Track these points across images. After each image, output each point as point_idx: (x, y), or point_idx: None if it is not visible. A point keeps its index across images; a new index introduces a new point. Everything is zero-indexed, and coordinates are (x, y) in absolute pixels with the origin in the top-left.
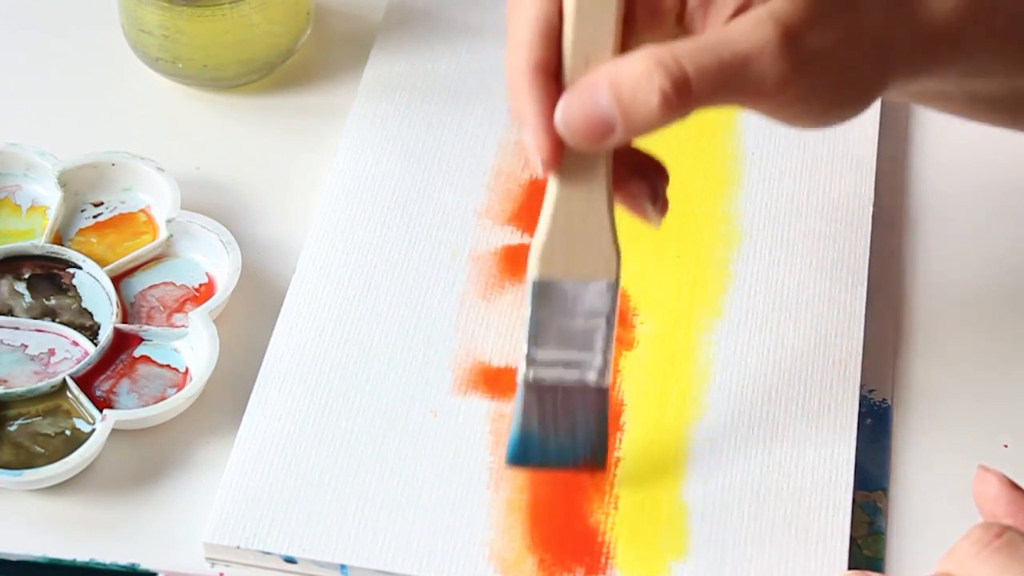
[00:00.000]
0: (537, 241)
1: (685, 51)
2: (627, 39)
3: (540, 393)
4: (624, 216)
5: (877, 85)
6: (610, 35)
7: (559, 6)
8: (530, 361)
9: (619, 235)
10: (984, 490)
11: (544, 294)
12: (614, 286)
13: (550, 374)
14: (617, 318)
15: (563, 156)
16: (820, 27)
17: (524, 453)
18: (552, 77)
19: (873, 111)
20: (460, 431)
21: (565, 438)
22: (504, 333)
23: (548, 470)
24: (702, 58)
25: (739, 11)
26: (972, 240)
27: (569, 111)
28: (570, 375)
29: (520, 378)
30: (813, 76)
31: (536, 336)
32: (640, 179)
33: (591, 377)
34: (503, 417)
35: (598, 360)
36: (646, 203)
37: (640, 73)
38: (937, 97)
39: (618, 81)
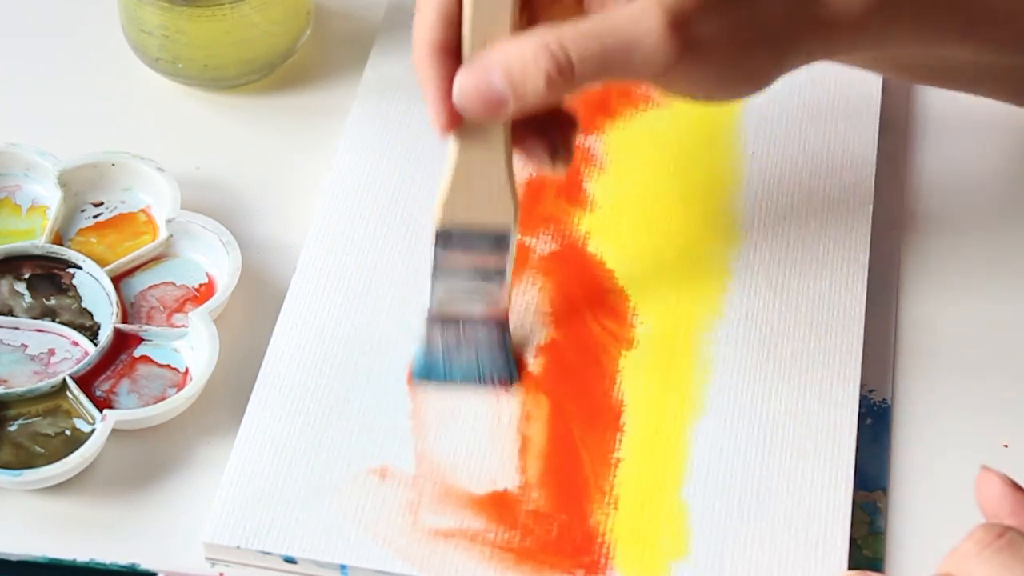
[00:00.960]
0: (439, 193)
1: (571, 36)
2: (532, 15)
3: (443, 322)
4: (624, 216)
5: (770, 69)
6: (506, 17)
7: None
8: (434, 296)
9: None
10: (987, 491)
11: (446, 239)
12: (511, 232)
13: (452, 307)
14: (513, 262)
15: (463, 121)
16: (710, 14)
17: (428, 372)
18: (451, 55)
19: (873, 111)
20: (460, 431)
21: (468, 360)
22: None
23: (456, 385)
24: (587, 43)
25: None
26: (972, 240)
27: (464, 88)
28: (472, 308)
29: (425, 312)
30: (701, 60)
31: (439, 275)
32: (538, 136)
33: (490, 307)
34: (503, 417)
35: (497, 292)
36: (544, 157)
37: (528, 56)
38: (892, 68)
39: (508, 62)
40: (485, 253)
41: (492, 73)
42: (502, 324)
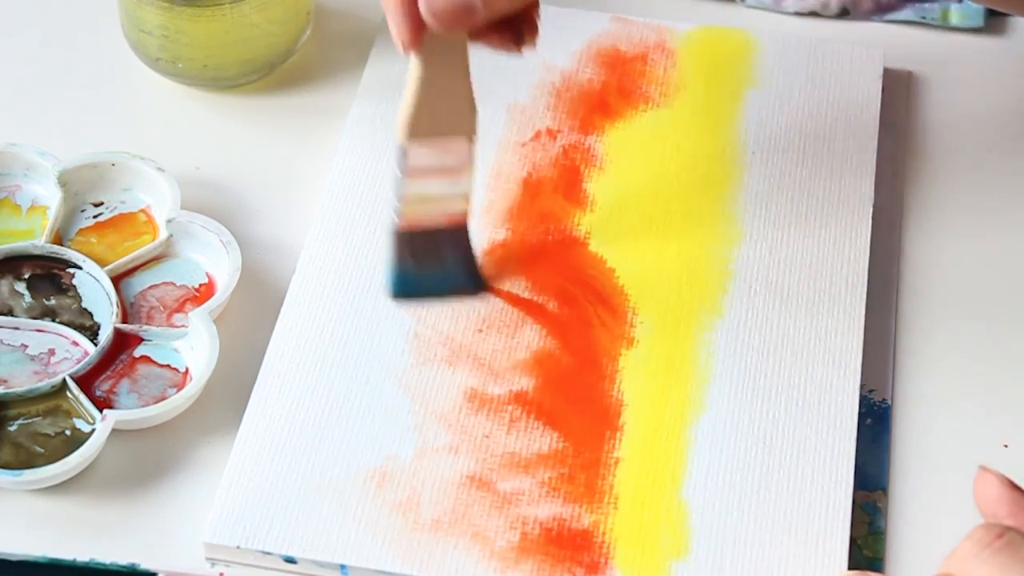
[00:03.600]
0: (402, 109)
1: None
2: None
3: (409, 236)
4: (624, 216)
5: None
6: None
7: None
8: (399, 211)
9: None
10: (985, 491)
11: (406, 154)
12: (472, 140)
13: (417, 220)
14: (475, 167)
15: (424, 37)
16: None
17: (403, 287)
18: None
19: (873, 111)
20: (461, 432)
21: (437, 269)
22: (506, 333)
23: (429, 299)
24: None
25: None
26: (972, 240)
27: (433, 2)
28: (436, 219)
29: (391, 227)
30: None
31: (403, 189)
32: (502, 28)
33: (453, 216)
34: (503, 417)
35: (459, 200)
36: (509, 44)
37: None
38: None
39: None
40: (449, 161)
41: None
42: (465, 231)
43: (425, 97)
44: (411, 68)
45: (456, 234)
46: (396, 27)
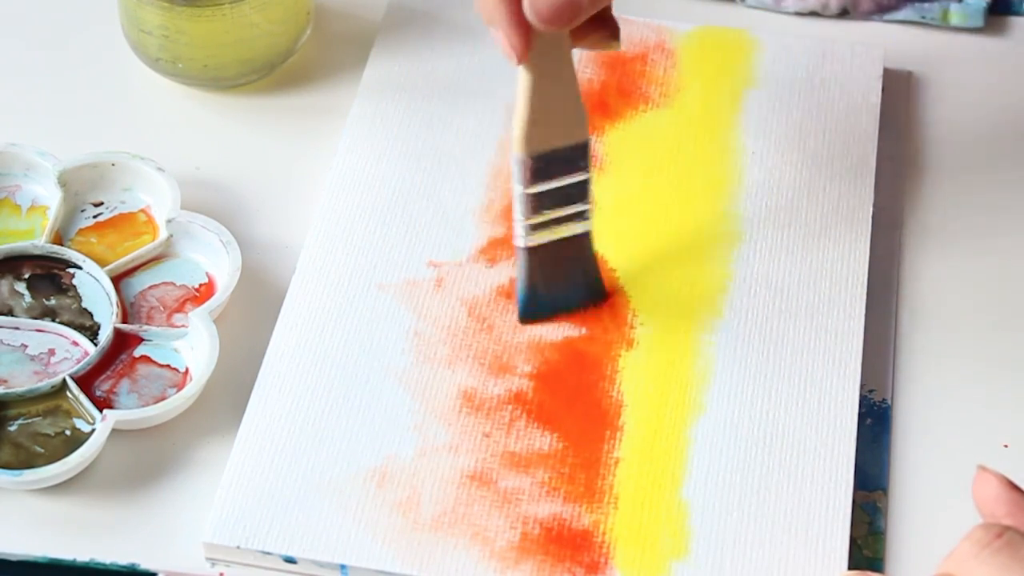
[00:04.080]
0: (518, 125)
1: None
2: None
3: (537, 254)
4: (624, 216)
5: None
6: None
7: None
8: (525, 229)
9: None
10: (984, 491)
11: (530, 168)
12: (587, 142)
13: (542, 236)
14: (593, 170)
15: (532, 47)
16: None
17: (533, 309)
18: None
19: (873, 111)
20: (462, 431)
21: (566, 286)
22: (506, 332)
23: (559, 317)
24: None
25: None
26: (972, 240)
27: (537, 3)
28: (560, 231)
29: (518, 244)
30: None
31: (527, 207)
32: (598, 25)
33: (578, 228)
34: (503, 417)
35: (584, 209)
36: (607, 39)
37: None
38: None
39: None
40: (566, 169)
41: None
42: (589, 240)
43: (539, 105)
44: (520, 78)
45: (580, 243)
46: (507, 36)
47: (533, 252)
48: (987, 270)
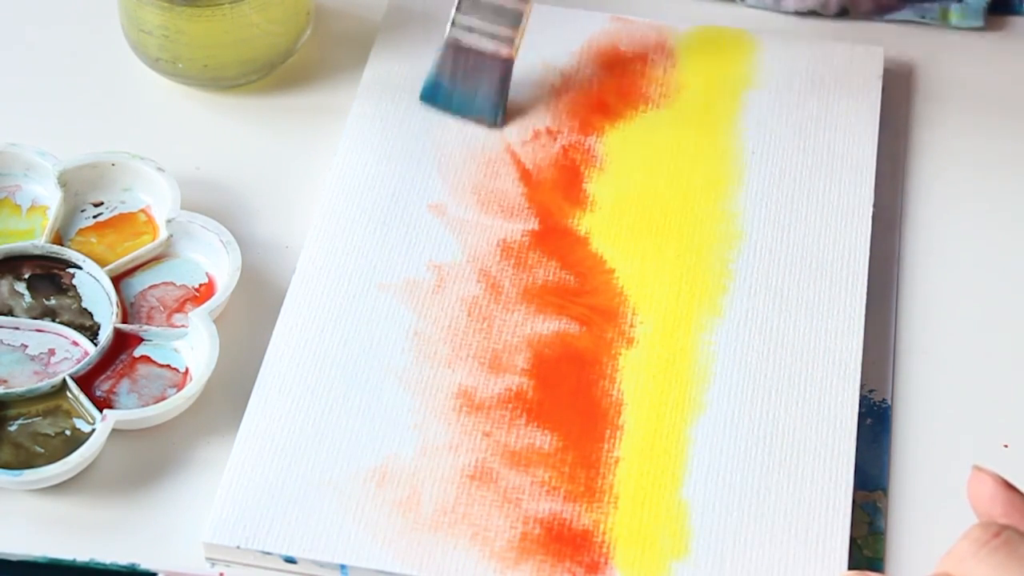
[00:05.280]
0: None
1: None
2: None
3: (456, 51)
4: (624, 216)
5: None
6: None
7: None
8: (454, 24)
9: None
10: (979, 490)
11: None
12: None
13: (468, 39)
14: (530, 12)
15: None
16: None
17: (432, 95)
18: None
19: (873, 111)
20: (461, 431)
21: (468, 92)
22: (506, 332)
23: (450, 114)
24: None
25: None
26: (972, 240)
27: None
28: (485, 44)
29: (444, 36)
30: None
31: (462, 5)
32: None
33: (503, 50)
34: (503, 416)
35: (514, 36)
36: None
37: None
38: None
39: None
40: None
41: None
42: (507, 66)
43: None
44: None
45: (498, 67)
46: None
47: (454, 47)
48: (987, 270)
